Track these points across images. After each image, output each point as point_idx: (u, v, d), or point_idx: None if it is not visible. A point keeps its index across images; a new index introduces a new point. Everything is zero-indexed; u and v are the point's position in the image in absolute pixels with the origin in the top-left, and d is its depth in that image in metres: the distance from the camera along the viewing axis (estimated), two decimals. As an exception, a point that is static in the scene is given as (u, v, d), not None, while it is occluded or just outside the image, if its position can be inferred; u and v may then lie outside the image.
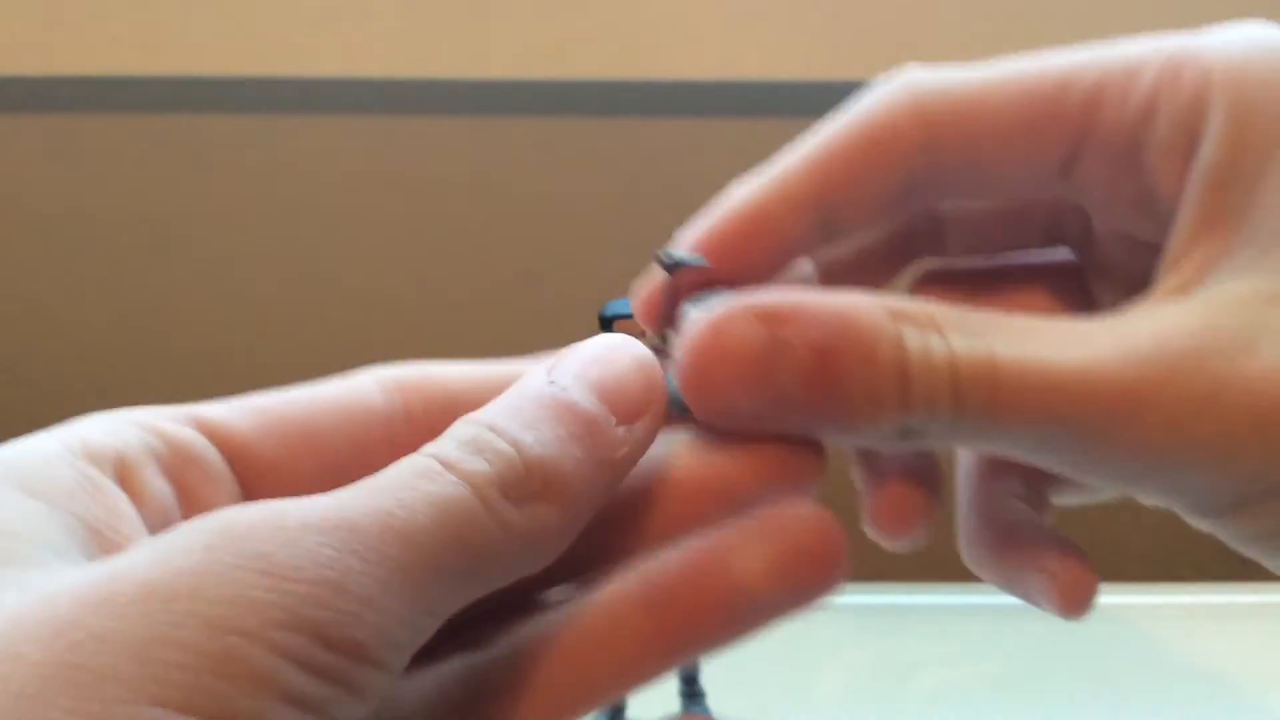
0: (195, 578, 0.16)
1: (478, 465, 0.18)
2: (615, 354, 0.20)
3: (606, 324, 0.23)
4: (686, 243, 0.23)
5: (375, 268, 0.61)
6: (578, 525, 0.19)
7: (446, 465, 0.18)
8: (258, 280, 0.61)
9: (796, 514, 0.20)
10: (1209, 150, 0.21)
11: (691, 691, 0.50)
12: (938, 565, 0.60)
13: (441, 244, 0.60)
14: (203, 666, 0.15)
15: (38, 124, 0.59)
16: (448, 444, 0.19)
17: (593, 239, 0.59)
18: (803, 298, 0.20)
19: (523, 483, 0.18)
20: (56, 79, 0.58)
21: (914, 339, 0.20)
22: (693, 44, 0.55)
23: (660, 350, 0.22)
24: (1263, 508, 0.20)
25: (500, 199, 0.58)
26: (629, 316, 0.23)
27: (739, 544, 0.20)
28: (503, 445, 0.19)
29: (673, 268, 0.22)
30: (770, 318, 0.20)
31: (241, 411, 0.22)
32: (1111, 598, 0.57)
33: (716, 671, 0.49)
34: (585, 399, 0.19)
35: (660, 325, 0.23)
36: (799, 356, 0.20)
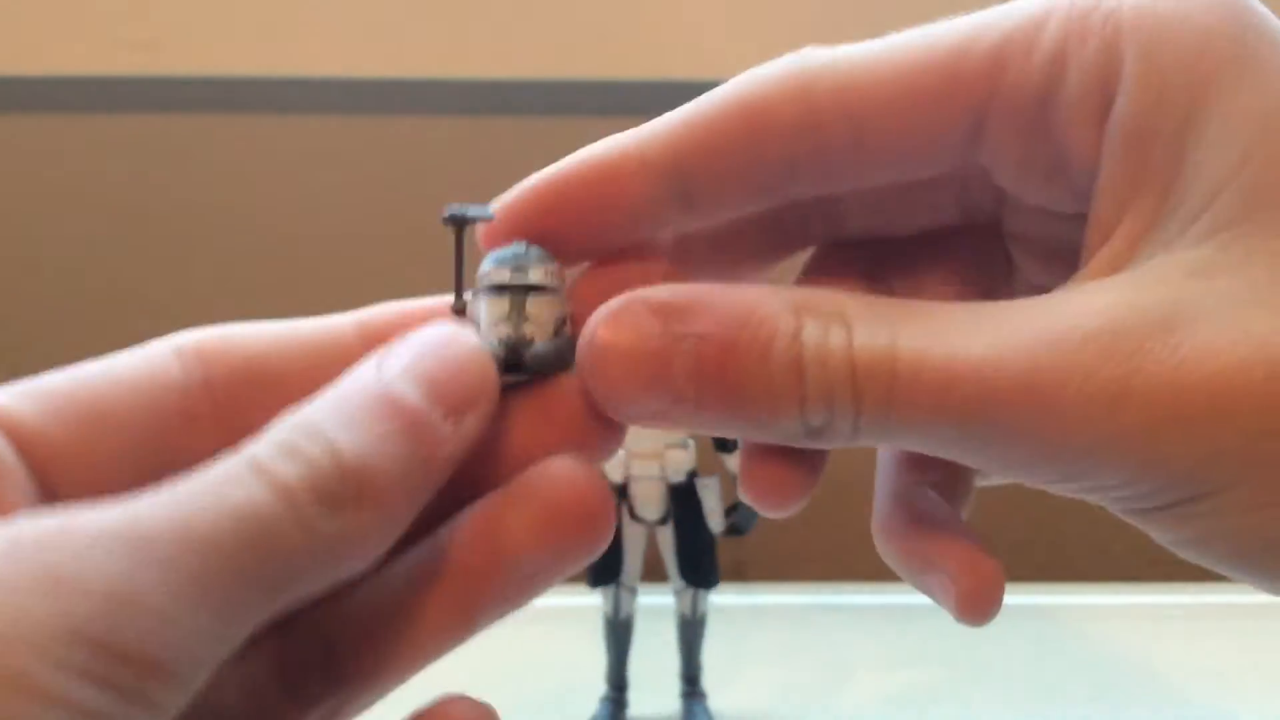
0: None
1: (289, 469, 0.17)
2: (448, 344, 0.19)
3: (458, 225, 0.22)
4: (525, 192, 0.22)
5: (375, 267, 0.61)
6: (398, 527, 0.19)
7: (259, 469, 0.17)
8: (257, 280, 0.61)
9: (558, 473, 0.20)
10: (1124, 105, 0.19)
11: (692, 691, 0.50)
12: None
13: (441, 244, 0.60)
14: None
15: (38, 124, 0.59)
16: (264, 445, 0.18)
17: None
18: (701, 291, 0.19)
19: (336, 489, 0.18)
20: (56, 79, 0.58)
21: (813, 334, 0.18)
22: (693, 44, 0.55)
23: (460, 311, 0.21)
24: (1193, 509, 0.18)
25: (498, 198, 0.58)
26: (486, 219, 0.22)
27: (505, 508, 0.20)
28: (316, 450, 0.18)
29: (460, 222, 0.21)
30: (665, 311, 0.19)
31: (27, 396, 0.20)
32: (1111, 598, 0.57)
33: (716, 671, 0.50)
34: (413, 394, 0.19)
35: (457, 288, 0.22)
36: (692, 352, 0.19)
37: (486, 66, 0.57)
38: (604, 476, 0.20)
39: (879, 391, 0.18)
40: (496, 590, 0.20)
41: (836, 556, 0.59)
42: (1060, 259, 0.22)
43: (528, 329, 0.21)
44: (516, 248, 0.21)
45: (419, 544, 0.20)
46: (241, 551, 0.17)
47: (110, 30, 0.57)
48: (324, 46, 0.57)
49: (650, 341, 0.19)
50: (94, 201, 0.60)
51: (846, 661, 0.51)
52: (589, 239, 0.22)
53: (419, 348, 0.19)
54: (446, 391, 0.19)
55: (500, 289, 0.21)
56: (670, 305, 0.19)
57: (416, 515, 0.19)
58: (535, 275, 0.21)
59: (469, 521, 0.20)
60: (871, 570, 0.63)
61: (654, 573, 0.49)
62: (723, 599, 0.52)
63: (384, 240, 0.60)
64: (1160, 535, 0.19)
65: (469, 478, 0.20)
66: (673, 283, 0.20)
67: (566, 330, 0.21)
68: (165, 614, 0.16)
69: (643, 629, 0.48)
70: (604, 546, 0.20)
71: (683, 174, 0.21)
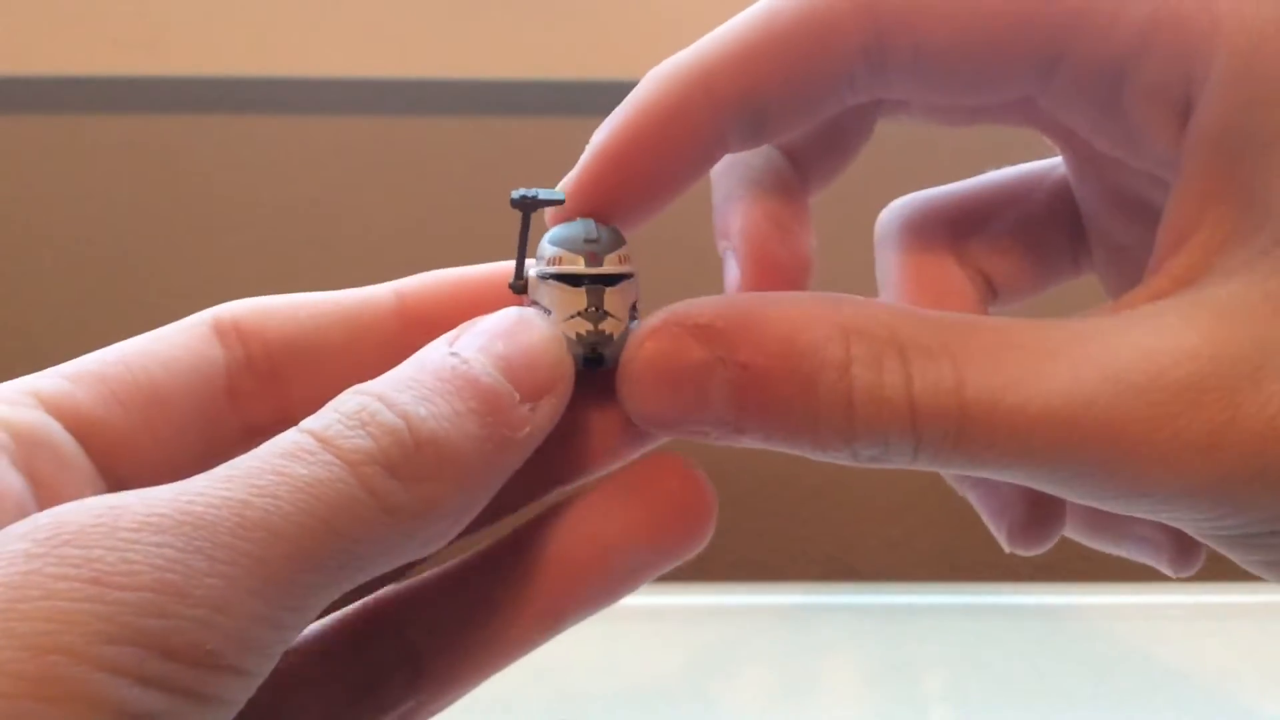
0: (13, 591, 0.14)
1: (359, 442, 0.17)
2: (522, 329, 0.19)
3: (526, 210, 0.21)
4: (592, 165, 0.21)
5: (375, 268, 0.61)
6: (474, 507, 0.18)
7: (324, 442, 0.17)
8: (257, 280, 0.61)
9: (667, 469, 0.20)
10: (1212, 107, 0.18)
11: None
12: (938, 565, 0.60)
13: (441, 244, 0.60)
14: (21, 691, 0.14)
15: (38, 124, 0.59)
16: (329, 417, 0.17)
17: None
18: (746, 310, 0.19)
19: (412, 460, 0.17)
20: (56, 79, 0.58)
21: (864, 369, 0.18)
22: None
23: (521, 291, 0.21)
24: (1267, 541, 0.18)
25: (500, 199, 0.58)
26: (557, 203, 0.21)
27: (609, 502, 0.20)
28: (391, 418, 0.17)
29: (528, 207, 0.21)
30: (707, 335, 0.18)
31: (83, 383, 0.20)
32: (1111, 598, 0.57)
33: (716, 671, 0.50)
34: (488, 374, 0.18)
35: (519, 267, 0.21)
36: (733, 380, 0.18)
37: (486, 66, 0.57)
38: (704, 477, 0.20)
39: (943, 432, 0.18)
40: (595, 585, 0.20)
41: (837, 556, 0.59)
42: (1129, 209, 0.21)
43: (606, 325, 0.20)
44: (585, 227, 0.21)
45: (501, 539, 0.20)
46: (305, 532, 0.16)
47: (110, 30, 0.57)
48: (324, 46, 0.57)
49: (691, 367, 0.19)
50: (94, 202, 0.60)
51: (846, 662, 0.51)
52: (659, 195, 0.21)
53: (493, 331, 0.19)
54: (522, 375, 0.18)
55: (574, 280, 0.20)
56: (712, 329, 0.19)
57: (490, 500, 0.18)
58: (611, 264, 0.20)
59: (567, 514, 0.20)
60: (871, 570, 0.63)
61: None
62: (723, 599, 0.52)
63: (385, 240, 0.60)
64: (1240, 557, 0.19)
65: (543, 466, 0.20)
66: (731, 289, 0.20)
67: (637, 315, 0.21)
68: (223, 603, 0.15)
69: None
70: (705, 544, 0.20)
71: (753, 104, 0.20)
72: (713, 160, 0.21)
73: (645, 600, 0.49)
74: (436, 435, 0.17)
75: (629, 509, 0.20)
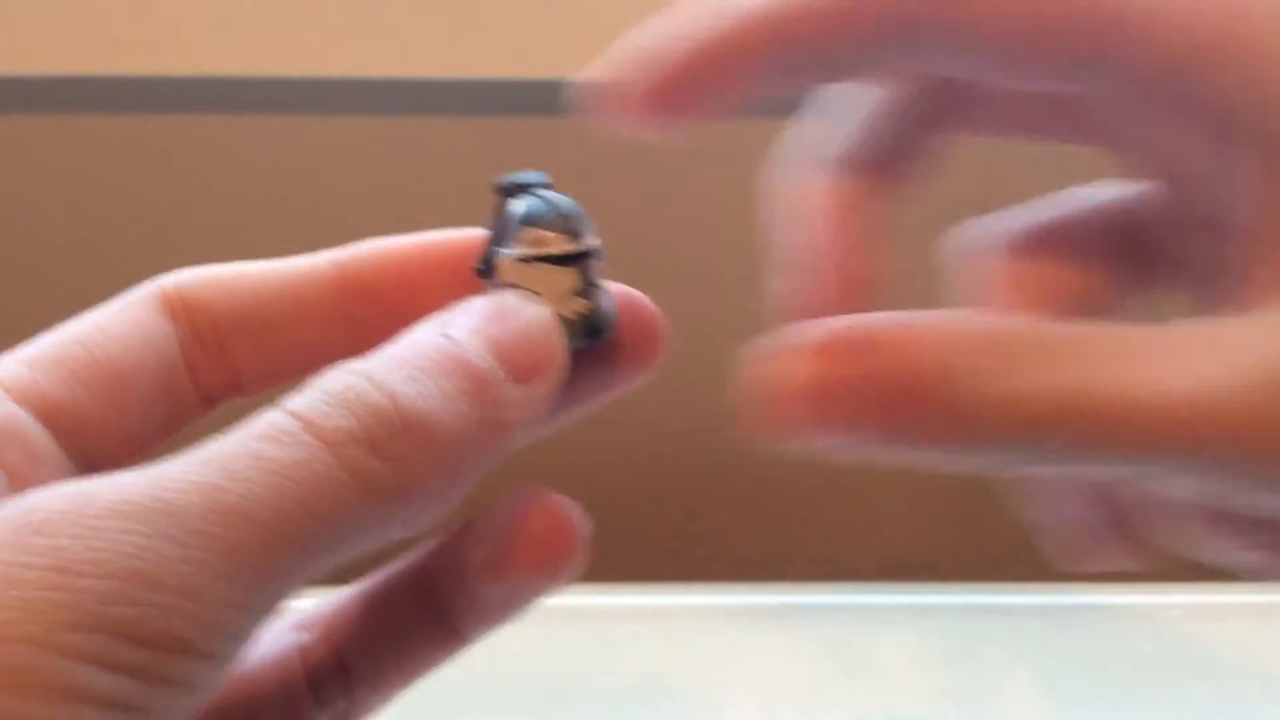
0: None
1: (341, 422, 0.17)
2: (514, 311, 0.19)
3: (508, 194, 0.21)
4: (648, 60, 0.21)
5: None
6: (460, 488, 0.18)
7: (305, 423, 0.17)
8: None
9: (520, 506, 0.20)
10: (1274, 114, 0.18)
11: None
12: (938, 565, 0.60)
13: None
14: None
15: (38, 124, 0.59)
16: (313, 396, 0.17)
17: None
18: (869, 327, 0.18)
19: (398, 438, 0.17)
20: (56, 79, 0.58)
21: (989, 378, 0.17)
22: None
23: (486, 275, 0.21)
24: None
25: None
26: (546, 185, 0.20)
27: (468, 540, 0.20)
28: (377, 397, 0.17)
29: (513, 192, 0.21)
30: (829, 350, 0.18)
31: (44, 368, 0.20)
32: (1111, 598, 0.57)
33: (716, 671, 0.50)
34: (480, 355, 0.18)
35: (488, 250, 0.21)
36: (858, 392, 0.18)
37: (486, 66, 0.57)
38: (570, 511, 0.20)
39: (1081, 430, 0.17)
40: (469, 615, 0.20)
41: (837, 557, 0.59)
42: (1197, 225, 0.21)
43: (598, 299, 0.20)
44: (553, 203, 0.20)
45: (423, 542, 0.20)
46: (281, 516, 0.16)
47: (110, 30, 0.57)
48: (324, 46, 0.57)
49: (818, 381, 0.18)
50: (94, 202, 0.60)
51: (847, 662, 0.51)
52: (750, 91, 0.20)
53: (486, 313, 0.19)
54: (514, 356, 0.18)
55: (564, 260, 0.20)
56: (833, 345, 0.18)
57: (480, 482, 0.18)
58: (591, 237, 0.21)
59: (439, 546, 0.20)
60: (871, 570, 0.63)
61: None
62: (723, 599, 0.52)
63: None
64: None
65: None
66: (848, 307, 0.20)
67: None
68: (193, 589, 0.15)
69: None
70: (572, 577, 0.20)
71: (790, 65, 0.20)
72: (750, 98, 0.20)
73: (645, 600, 0.49)
74: (425, 414, 0.17)
75: (482, 548, 0.20)
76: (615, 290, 0.21)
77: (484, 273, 0.21)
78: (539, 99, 0.57)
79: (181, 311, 0.22)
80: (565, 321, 0.20)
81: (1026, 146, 0.23)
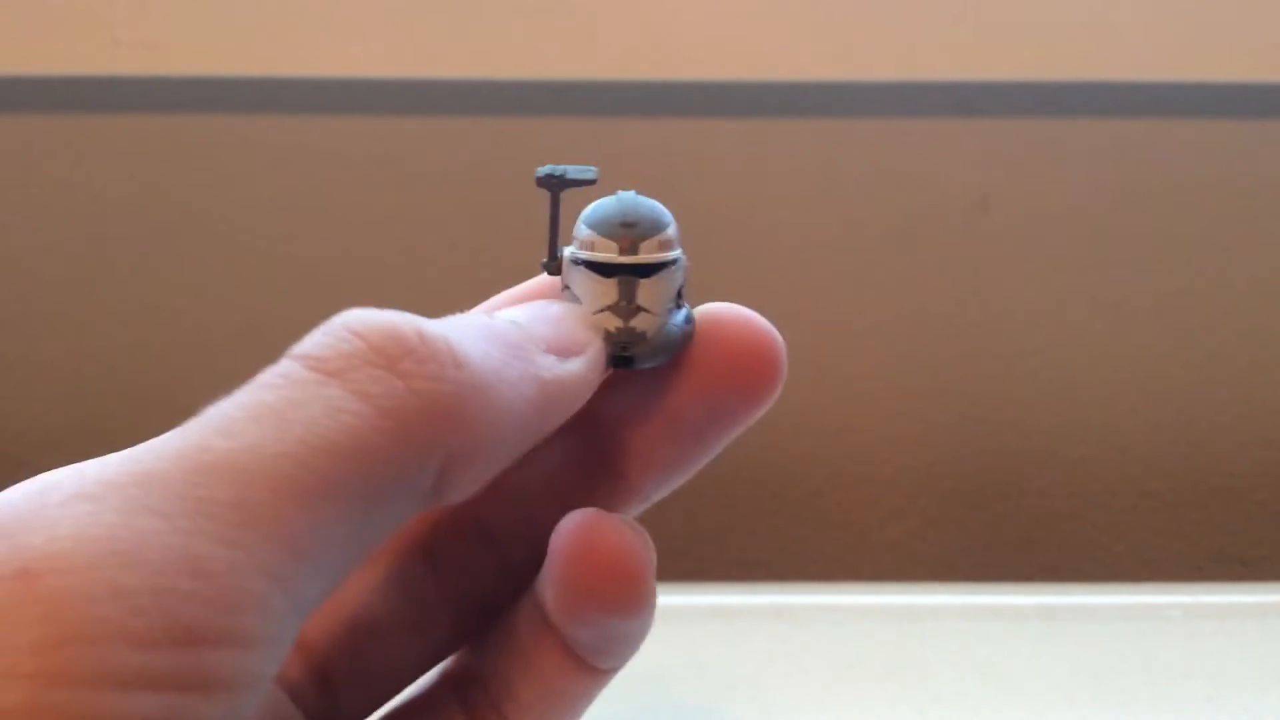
0: None
1: (345, 347, 0.14)
2: (551, 306, 0.18)
3: (554, 188, 0.19)
4: None
5: (375, 268, 0.61)
6: (501, 444, 0.15)
7: (305, 359, 0.14)
8: (258, 280, 0.61)
9: (572, 527, 0.17)
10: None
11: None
12: (938, 565, 0.60)
13: (442, 244, 0.60)
14: None
15: (38, 124, 0.59)
16: (316, 334, 0.15)
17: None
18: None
19: (416, 351, 0.14)
20: (57, 79, 0.58)
21: None
22: (693, 44, 0.55)
23: (555, 272, 0.19)
24: None
25: (500, 199, 0.58)
26: (588, 182, 0.19)
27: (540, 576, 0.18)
28: (390, 317, 0.15)
29: (556, 186, 0.19)
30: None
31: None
32: (1111, 598, 0.57)
33: (716, 672, 0.49)
34: (511, 327, 0.16)
35: (551, 245, 0.19)
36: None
37: (486, 66, 0.57)
38: (635, 532, 0.18)
39: None
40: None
41: (837, 557, 0.59)
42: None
43: (638, 322, 0.18)
44: (623, 205, 0.18)
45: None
46: (283, 462, 0.13)
47: (110, 30, 0.57)
48: (324, 46, 0.57)
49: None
50: (94, 201, 0.60)
51: (845, 662, 0.51)
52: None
53: (523, 307, 0.18)
54: (551, 334, 0.17)
55: (605, 269, 0.18)
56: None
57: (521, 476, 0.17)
58: (649, 250, 0.18)
59: (521, 604, 0.18)
60: (871, 570, 0.63)
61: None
62: (723, 599, 0.52)
63: (385, 240, 0.60)
64: None
65: (580, 462, 0.19)
66: None
67: (683, 303, 0.18)
68: (189, 565, 0.12)
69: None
70: (643, 615, 0.17)
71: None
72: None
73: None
74: (449, 337, 0.15)
75: (551, 586, 0.19)
76: (713, 311, 0.19)
77: (548, 268, 0.19)
78: (539, 99, 0.57)
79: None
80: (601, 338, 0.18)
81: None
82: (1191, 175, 0.58)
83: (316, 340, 0.15)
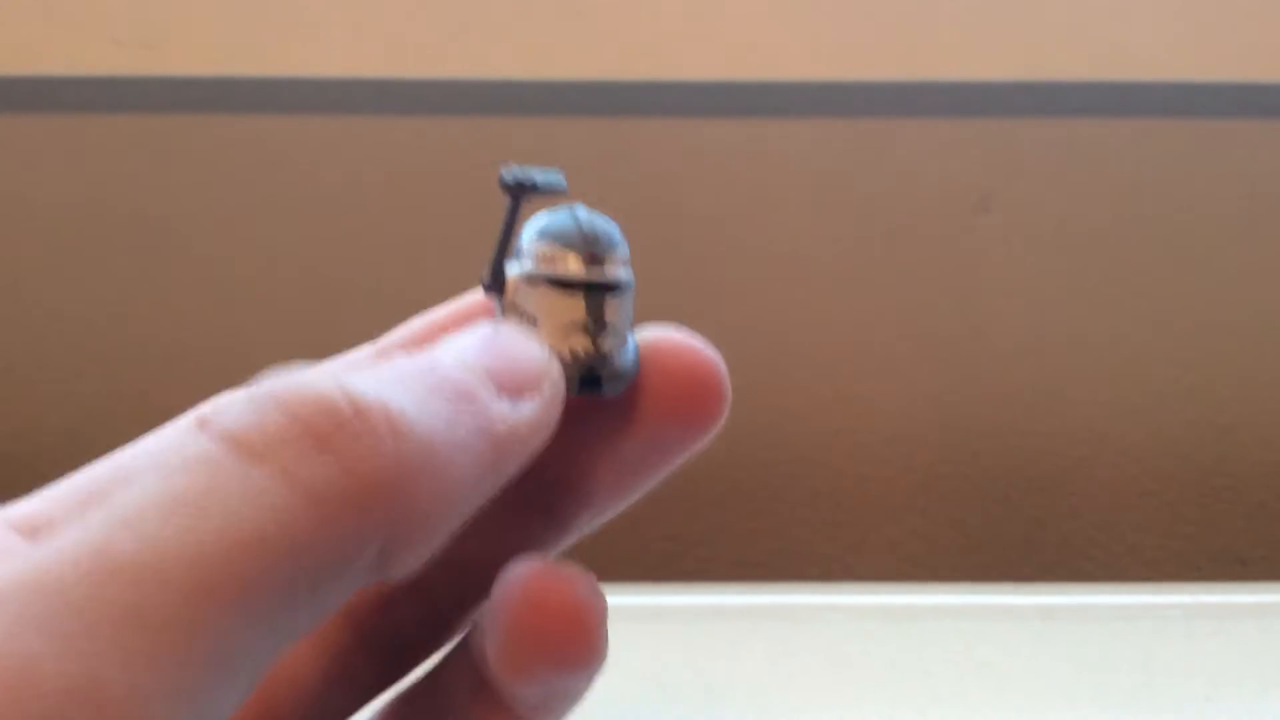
0: None
1: (268, 421, 0.13)
2: (502, 334, 0.16)
3: (515, 194, 0.18)
4: None
5: (375, 268, 0.61)
6: (449, 508, 0.14)
7: (218, 433, 0.13)
8: (258, 280, 0.61)
9: (520, 582, 0.16)
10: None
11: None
12: (938, 565, 0.60)
13: (442, 245, 0.60)
14: None
15: (38, 124, 0.59)
16: (235, 399, 0.13)
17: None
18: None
19: (347, 425, 0.13)
20: (56, 79, 0.58)
21: None
22: (693, 44, 0.55)
23: (490, 287, 0.18)
24: None
25: (500, 199, 0.58)
26: (558, 191, 0.18)
27: (480, 630, 0.17)
28: (319, 384, 0.13)
29: (520, 191, 0.18)
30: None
31: None
32: (1111, 598, 0.57)
33: (715, 672, 0.49)
34: (458, 365, 0.15)
35: (497, 260, 0.18)
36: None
37: (486, 66, 0.57)
38: (586, 581, 0.16)
39: None
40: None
41: (837, 557, 0.59)
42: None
43: (606, 343, 0.17)
44: (580, 218, 0.17)
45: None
46: (197, 561, 0.11)
47: (110, 30, 0.57)
48: (324, 46, 0.57)
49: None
50: (94, 202, 0.60)
51: (846, 662, 0.51)
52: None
53: (463, 338, 0.16)
54: (502, 370, 0.15)
55: (571, 285, 0.17)
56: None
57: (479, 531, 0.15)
58: (614, 265, 0.17)
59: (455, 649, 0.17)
60: (871, 570, 0.63)
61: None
62: (723, 599, 0.52)
63: (385, 240, 0.60)
64: None
65: (545, 500, 0.18)
66: None
67: (632, 326, 0.17)
68: (84, 690, 0.11)
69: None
70: (596, 667, 0.16)
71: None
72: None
73: (645, 600, 0.49)
74: (385, 400, 0.13)
75: (494, 641, 0.17)
76: (654, 337, 0.18)
77: (489, 286, 0.18)
78: (539, 99, 0.57)
79: None
80: (561, 362, 0.16)
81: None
82: (1191, 175, 0.58)
83: (238, 415, 0.13)
